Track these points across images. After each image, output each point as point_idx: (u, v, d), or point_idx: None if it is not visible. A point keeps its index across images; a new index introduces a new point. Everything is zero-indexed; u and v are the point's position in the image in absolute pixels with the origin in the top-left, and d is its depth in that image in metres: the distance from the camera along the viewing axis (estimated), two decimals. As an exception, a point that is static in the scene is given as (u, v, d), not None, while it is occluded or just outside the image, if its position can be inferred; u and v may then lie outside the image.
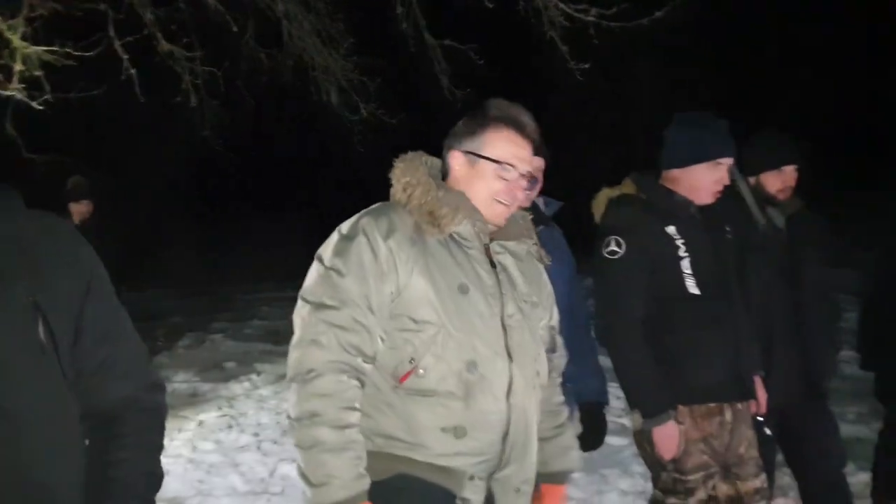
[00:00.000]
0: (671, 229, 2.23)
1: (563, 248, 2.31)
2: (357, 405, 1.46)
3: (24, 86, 3.34)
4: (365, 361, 1.48)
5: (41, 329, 1.08)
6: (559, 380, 1.80)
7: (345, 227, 1.54)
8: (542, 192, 2.31)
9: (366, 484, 1.43)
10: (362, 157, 5.53)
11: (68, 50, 3.28)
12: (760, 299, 2.56)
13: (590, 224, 2.41)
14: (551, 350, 1.73)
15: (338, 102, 5.17)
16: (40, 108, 3.51)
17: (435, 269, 1.51)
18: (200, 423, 4.63)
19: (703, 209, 2.29)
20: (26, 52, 3.19)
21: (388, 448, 1.51)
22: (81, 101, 3.77)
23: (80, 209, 4.60)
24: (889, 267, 3.04)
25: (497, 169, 1.57)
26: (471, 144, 1.60)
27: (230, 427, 4.64)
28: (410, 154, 1.66)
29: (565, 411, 1.81)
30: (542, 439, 1.67)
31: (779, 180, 2.66)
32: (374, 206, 1.59)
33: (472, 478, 1.52)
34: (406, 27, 4.31)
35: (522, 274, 1.64)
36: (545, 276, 1.74)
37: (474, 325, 1.51)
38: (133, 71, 3.80)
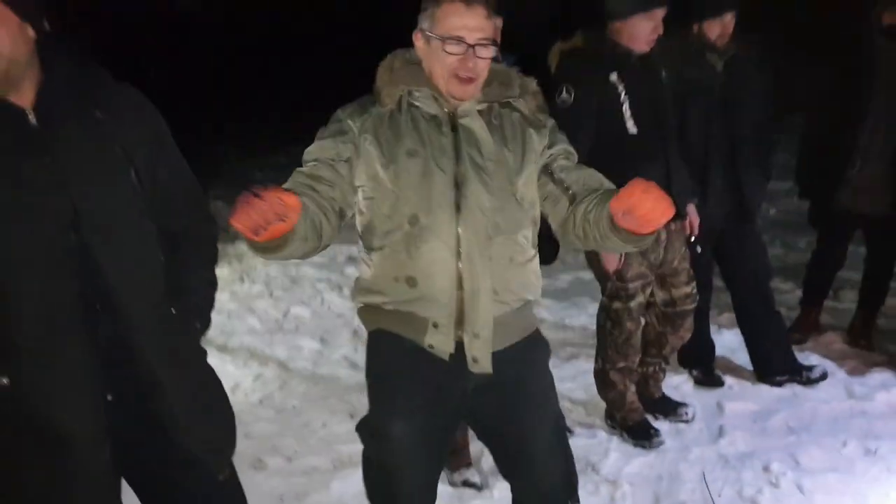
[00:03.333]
0: (613, 76, 2.56)
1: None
2: (317, 204, 1.58)
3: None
4: (322, 197, 1.60)
5: (133, 173, 1.46)
6: (592, 182, 1.72)
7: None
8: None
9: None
10: (346, 27, 5.62)
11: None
12: (698, 134, 2.93)
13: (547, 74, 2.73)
14: (556, 177, 1.72)
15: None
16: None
17: (384, 138, 1.64)
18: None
19: (642, 57, 2.60)
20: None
21: (370, 300, 1.73)
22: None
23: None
24: (821, 109, 3.41)
25: (445, 45, 1.60)
26: (425, 23, 1.64)
27: (242, 280, 5.06)
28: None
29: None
30: (588, 211, 1.64)
31: (719, 27, 2.94)
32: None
33: (435, 325, 1.66)
34: None
35: (493, 135, 1.68)
36: (533, 135, 1.72)
37: (419, 183, 1.62)
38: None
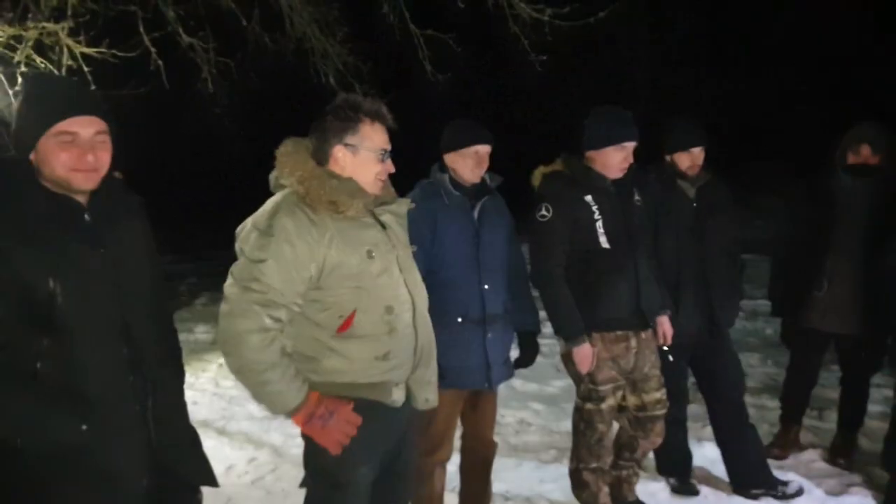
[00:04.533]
0: (588, 198, 2.86)
1: (504, 212, 2.92)
2: (279, 349, 1.87)
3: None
4: (279, 323, 1.88)
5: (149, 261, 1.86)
6: None
7: (261, 223, 1.89)
8: (488, 169, 2.86)
9: (306, 387, 1.89)
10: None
11: (114, 51, 3.83)
12: (670, 254, 3.19)
13: (529, 193, 3.03)
14: None
15: (335, 84, 5.77)
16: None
17: (344, 246, 1.92)
18: (220, 365, 5.28)
19: (616, 182, 2.90)
20: (77, 49, 3.72)
21: (332, 378, 1.95)
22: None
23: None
24: (791, 233, 3.68)
25: (377, 156, 2.01)
26: (351, 139, 1.99)
27: (245, 369, 5.30)
28: (290, 145, 2.01)
29: None
30: None
31: (688, 159, 3.25)
32: (279, 201, 1.93)
33: (396, 384, 2.01)
34: (393, 19, 4.90)
35: (401, 226, 2.12)
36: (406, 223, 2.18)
37: (382, 279, 1.97)
38: (160, 63, 4.39)
